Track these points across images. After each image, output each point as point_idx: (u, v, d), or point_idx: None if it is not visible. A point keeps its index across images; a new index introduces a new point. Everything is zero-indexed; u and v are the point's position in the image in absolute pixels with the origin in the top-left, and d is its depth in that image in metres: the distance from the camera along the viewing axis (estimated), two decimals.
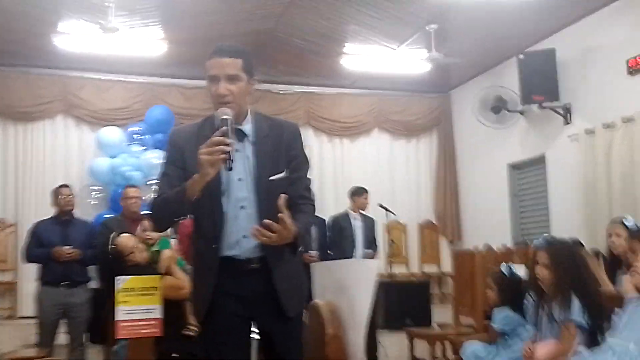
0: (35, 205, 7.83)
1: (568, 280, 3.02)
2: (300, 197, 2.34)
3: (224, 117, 2.13)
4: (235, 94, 2.24)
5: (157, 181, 2.33)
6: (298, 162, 2.36)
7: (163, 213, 2.24)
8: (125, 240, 4.11)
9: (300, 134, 2.44)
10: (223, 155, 2.04)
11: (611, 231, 4.08)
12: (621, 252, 3.99)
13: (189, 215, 2.29)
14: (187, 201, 2.13)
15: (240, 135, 2.27)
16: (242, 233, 2.24)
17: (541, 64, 7.15)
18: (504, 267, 3.98)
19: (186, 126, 2.47)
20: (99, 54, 7.30)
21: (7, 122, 8.04)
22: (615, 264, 4.03)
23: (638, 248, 3.96)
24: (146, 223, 4.44)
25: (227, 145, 2.04)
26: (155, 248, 4.36)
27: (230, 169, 2.11)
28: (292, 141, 2.37)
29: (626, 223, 4.04)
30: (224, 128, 2.09)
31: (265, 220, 2.10)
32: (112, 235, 4.20)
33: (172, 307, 3.64)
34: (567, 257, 3.08)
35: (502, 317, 3.80)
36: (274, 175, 2.27)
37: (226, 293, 2.25)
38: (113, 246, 4.00)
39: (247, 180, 2.27)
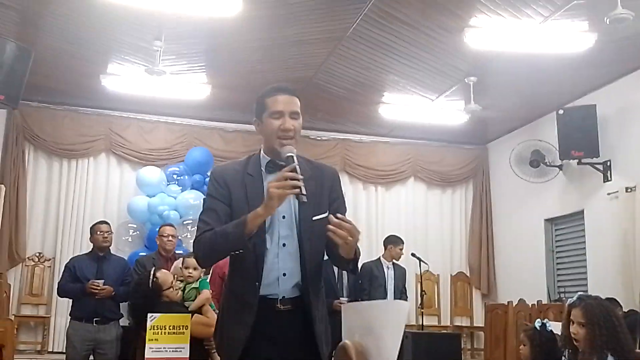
0: (74, 241, 7.99)
1: (603, 339, 2.95)
2: None
3: (290, 154, 2.20)
4: (297, 130, 2.31)
5: (202, 216, 2.31)
6: (339, 204, 2.40)
7: (216, 247, 2.21)
8: (166, 275, 4.18)
9: (339, 178, 2.49)
10: (295, 190, 2.09)
11: None
12: None
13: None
14: (246, 235, 2.13)
15: (280, 169, 2.26)
16: (282, 271, 2.24)
17: (581, 120, 7.10)
18: (537, 323, 3.90)
19: (230, 164, 2.47)
20: (144, 95, 7.53)
21: (53, 158, 8.28)
22: None
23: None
24: (189, 260, 4.50)
25: (298, 180, 2.09)
26: (194, 286, 4.41)
27: (304, 202, 2.14)
28: (333, 183, 2.41)
29: None
30: (293, 164, 2.15)
31: (335, 220, 2.10)
32: (153, 269, 4.26)
33: (198, 346, 3.66)
34: (602, 314, 3.01)
35: None
36: (316, 215, 2.28)
37: (262, 334, 2.20)
38: (155, 278, 4.05)
39: (291, 219, 2.29)
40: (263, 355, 2.21)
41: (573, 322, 3.10)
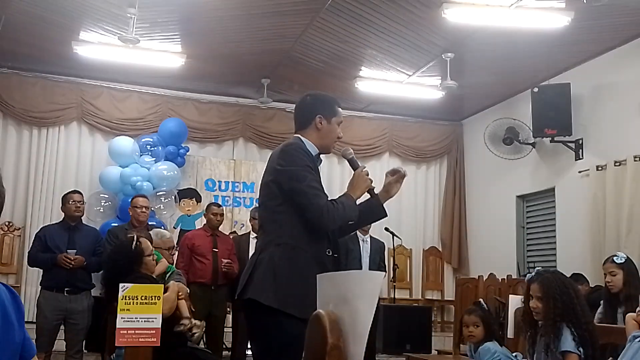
0: (44, 210, 7.90)
1: (558, 311, 3.03)
2: None
3: (353, 155, 2.85)
4: None
5: (313, 184, 2.61)
6: None
7: (346, 216, 2.65)
8: (147, 242, 4.14)
9: None
10: (373, 185, 2.75)
11: (606, 271, 4.08)
12: (618, 290, 3.98)
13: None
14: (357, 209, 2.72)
15: (319, 163, 2.79)
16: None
17: (555, 98, 7.16)
18: (482, 302, 3.99)
19: (299, 144, 2.77)
20: (117, 63, 7.39)
21: (22, 126, 8.13)
22: (616, 302, 4.01)
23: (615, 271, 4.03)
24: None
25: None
26: (175, 272, 4.42)
27: (372, 196, 2.78)
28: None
29: (617, 260, 4.05)
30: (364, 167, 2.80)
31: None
32: (135, 234, 4.20)
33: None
34: (558, 287, 3.10)
35: (492, 353, 3.76)
36: None
37: None
38: (138, 242, 4.01)
39: None
40: None
41: (532, 297, 3.17)
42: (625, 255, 4.17)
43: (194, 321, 3.95)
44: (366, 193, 2.77)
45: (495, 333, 3.87)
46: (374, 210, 2.83)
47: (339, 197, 2.70)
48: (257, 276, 2.58)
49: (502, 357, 3.74)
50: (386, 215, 2.87)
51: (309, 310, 2.40)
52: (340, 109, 2.84)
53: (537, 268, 3.29)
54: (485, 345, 3.84)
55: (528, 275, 3.29)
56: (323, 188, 2.66)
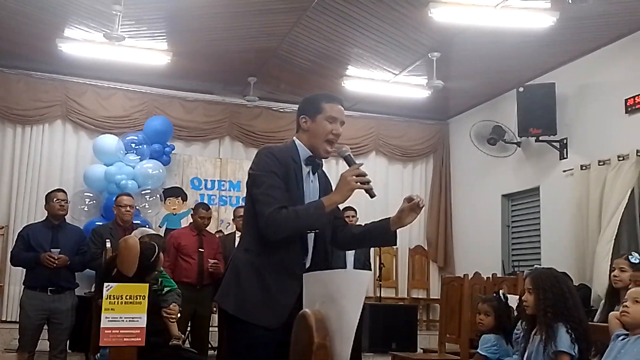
0: (28, 208, 7.82)
1: (549, 302, 3.07)
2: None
3: (349, 153, 2.65)
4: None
5: (268, 191, 2.49)
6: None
7: (297, 225, 2.48)
8: (162, 257, 4.26)
9: None
10: (368, 186, 2.53)
11: (616, 266, 4.10)
12: (622, 287, 4.01)
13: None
14: (324, 216, 2.50)
15: (315, 167, 2.68)
16: (310, 251, 2.60)
17: (540, 98, 7.21)
18: (501, 294, 4.00)
19: (280, 147, 2.73)
20: (102, 61, 7.33)
21: (5, 124, 8.04)
22: (615, 298, 4.04)
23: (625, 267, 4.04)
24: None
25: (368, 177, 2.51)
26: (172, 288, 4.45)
27: (374, 197, 2.58)
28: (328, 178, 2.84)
29: (631, 259, 4.07)
30: (361, 163, 2.61)
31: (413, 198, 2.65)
32: (157, 247, 4.18)
33: (156, 318, 3.63)
34: (549, 280, 3.16)
35: (490, 344, 3.80)
36: None
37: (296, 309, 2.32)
38: (157, 256, 4.06)
39: None
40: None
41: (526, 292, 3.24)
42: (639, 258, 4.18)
43: (182, 337, 4.07)
44: (365, 194, 2.58)
45: (504, 326, 3.87)
46: (385, 234, 2.68)
47: (308, 203, 2.56)
48: (224, 280, 2.61)
49: (499, 349, 3.76)
50: (395, 244, 2.74)
51: (268, 318, 2.43)
52: (328, 104, 2.65)
53: (536, 266, 3.35)
54: (486, 335, 3.87)
55: (525, 271, 3.37)
56: (285, 196, 2.50)
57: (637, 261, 4.06)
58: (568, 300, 3.10)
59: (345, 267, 6.67)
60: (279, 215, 2.44)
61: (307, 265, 2.56)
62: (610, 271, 4.12)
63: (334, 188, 2.61)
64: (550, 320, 3.05)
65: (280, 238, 2.48)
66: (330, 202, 2.50)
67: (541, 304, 3.10)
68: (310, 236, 2.59)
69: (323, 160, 2.71)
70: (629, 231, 6.16)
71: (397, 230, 2.72)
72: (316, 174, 2.71)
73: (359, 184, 2.49)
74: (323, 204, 2.49)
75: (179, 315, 4.31)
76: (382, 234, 2.68)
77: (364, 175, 2.50)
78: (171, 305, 4.23)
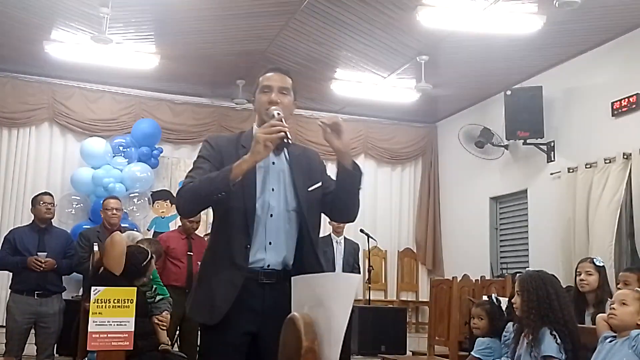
0: (14, 212, 7.76)
1: (533, 304, 3.09)
2: None
3: (277, 111, 2.31)
4: (284, 104, 2.40)
5: (190, 173, 2.37)
6: (328, 180, 2.50)
7: (200, 191, 2.24)
8: (153, 265, 4.23)
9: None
10: (280, 134, 2.18)
11: (582, 270, 4.13)
12: (589, 290, 4.04)
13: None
14: (231, 180, 2.18)
15: (281, 147, 2.29)
16: (269, 240, 2.32)
17: (527, 101, 7.25)
18: (493, 297, 4.02)
19: (225, 134, 2.60)
20: (90, 64, 7.30)
21: None
22: (583, 303, 4.07)
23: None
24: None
25: (284, 127, 2.20)
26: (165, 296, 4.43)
27: (287, 146, 2.25)
28: (323, 165, 2.56)
29: (596, 262, 4.11)
30: (280, 115, 2.27)
31: (324, 121, 2.28)
32: (150, 252, 4.16)
33: (145, 321, 3.61)
34: (535, 283, 3.19)
35: (484, 347, 3.81)
36: (308, 188, 2.41)
37: (242, 302, 2.23)
38: (148, 261, 4.03)
39: (279, 191, 2.38)
40: (241, 329, 2.26)
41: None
42: (603, 261, 4.23)
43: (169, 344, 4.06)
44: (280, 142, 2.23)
45: (498, 329, 3.88)
46: (344, 173, 2.35)
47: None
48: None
49: (493, 352, 3.78)
50: (358, 175, 2.36)
51: (204, 314, 2.29)
52: (262, 76, 2.46)
53: (527, 269, 3.38)
54: (480, 338, 3.89)
55: (517, 275, 3.40)
56: (213, 170, 2.29)
57: (602, 264, 4.11)
58: (553, 301, 3.11)
59: (333, 270, 6.68)
60: (185, 187, 2.30)
61: (251, 257, 2.29)
62: (576, 275, 4.14)
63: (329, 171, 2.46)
64: (534, 322, 3.07)
65: (188, 209, 2.38)
66: (241, 161, 2.20)
67: (526, 306, 3.13)
68: (258, 224, 2.30)
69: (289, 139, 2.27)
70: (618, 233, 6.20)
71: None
72: (282, 154, 2.42)
73: (267, 135, 2.17)
74: (232, 166, 2.20)
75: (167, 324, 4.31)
76: (343, 176, 2.36)
77: (275, 125, 2.21)
78: (163, 313, 4.21)
